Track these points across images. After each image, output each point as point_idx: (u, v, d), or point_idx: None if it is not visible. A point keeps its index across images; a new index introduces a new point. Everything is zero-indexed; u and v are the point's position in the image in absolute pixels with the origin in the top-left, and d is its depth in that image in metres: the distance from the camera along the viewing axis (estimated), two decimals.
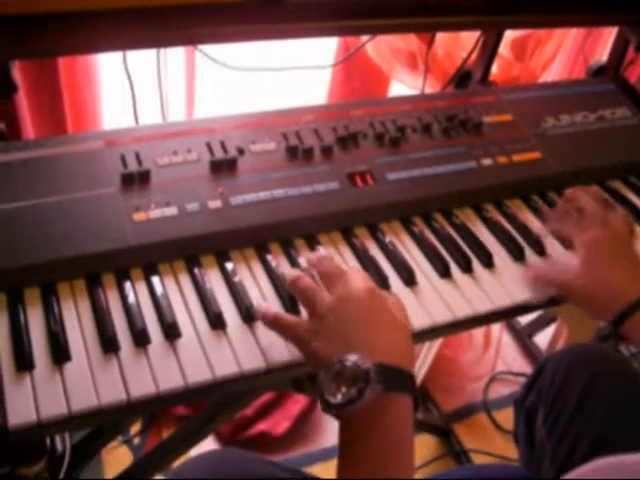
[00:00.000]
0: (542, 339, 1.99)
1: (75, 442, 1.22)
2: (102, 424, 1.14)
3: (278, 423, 1.62)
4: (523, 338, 1.99)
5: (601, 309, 0.89)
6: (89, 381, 0.72)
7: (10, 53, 0.86)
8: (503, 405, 1.83)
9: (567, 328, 1.86)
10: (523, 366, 1.94)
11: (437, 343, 1.74)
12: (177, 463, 1.18)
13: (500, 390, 1.88)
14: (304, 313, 0.81)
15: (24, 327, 0.76)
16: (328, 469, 1.56)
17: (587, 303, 0.91)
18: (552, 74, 1.79)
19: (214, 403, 1.14)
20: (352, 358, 0.67)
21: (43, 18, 0.81)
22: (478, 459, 1.69)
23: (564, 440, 1.01)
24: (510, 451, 1.64)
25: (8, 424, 0.67)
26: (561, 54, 1.70)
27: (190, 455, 1.35)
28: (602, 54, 1.68)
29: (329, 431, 1.67)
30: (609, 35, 1.69)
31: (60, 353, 0.74)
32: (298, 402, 1.64)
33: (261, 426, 1.61)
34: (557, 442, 1.02)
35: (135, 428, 1.60)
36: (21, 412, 0.69)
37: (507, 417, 1.76)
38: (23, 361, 0.73)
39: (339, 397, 0.66)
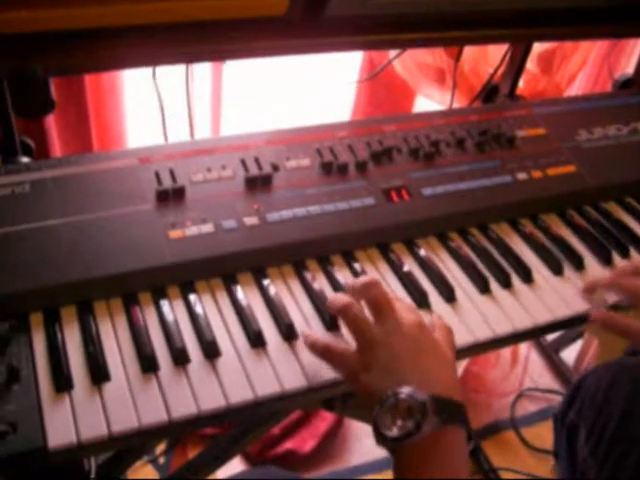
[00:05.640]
0: (569, 355, 1.96)
1: (100, 462, 1.20)
2: (142, 444, 1.12)
3: (305, 441, 1.60)
4: (550, 354, 1.96)
5: None
6: (129, 401, 0.71)
7: (50, 69, 0.86)
8: (531, 422, 1.79)
9: (597, 343, 1.83)
10: (550, 382, 1.91)
11: (464, 360, 1.72)
12: None
13: (527, 407, 1.84)
14: (344, 331, 0.80)
15: (61, 347, 0.75)
16: None
17: None
18: (575, 87, 1.78)
19: (242, 422, 1.12)
20: (406, 391, 0.66)
21: (73, 35, 0.81)
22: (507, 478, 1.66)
23: (610, 456, 0.99)
24: (540, 469, 1.62)
25: (48, 445, 0.66)
26: (585, 67, 1.69)
27: (217, 476, 1.33)
28: (626, 66, 1.67)
29: (356, 449, 1.64)
30: (633, 47, 1.68)
31: (99, 373, 0.73)
32: (325, 420, 1.62)
33: (288, 444, 1.58)
34: (602, 459, 1.00)
35: (160, 447, 1.58)
36: (61, 433, 0.67)
37: (535, 434, 1.74)
38: (62, 382, 0.72)
39: (395, 430, 0.65)
